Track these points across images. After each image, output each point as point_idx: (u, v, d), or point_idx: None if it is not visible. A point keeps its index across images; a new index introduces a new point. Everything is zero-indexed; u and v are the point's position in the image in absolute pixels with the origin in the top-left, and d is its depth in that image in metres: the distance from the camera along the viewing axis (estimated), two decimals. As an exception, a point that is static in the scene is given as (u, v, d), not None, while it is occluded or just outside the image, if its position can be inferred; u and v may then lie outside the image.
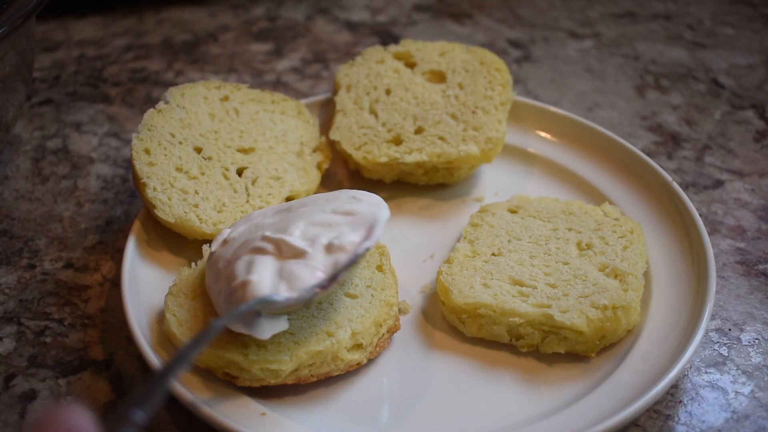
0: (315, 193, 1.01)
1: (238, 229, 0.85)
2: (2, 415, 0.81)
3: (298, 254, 0.79)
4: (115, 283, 0.95)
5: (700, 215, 0.94)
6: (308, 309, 0.82)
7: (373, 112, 1.06)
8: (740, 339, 0.87)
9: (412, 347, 0.86)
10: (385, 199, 1.02)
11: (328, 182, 1.04)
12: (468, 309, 0.84)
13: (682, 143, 1.14)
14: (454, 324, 0.86)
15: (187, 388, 0.77)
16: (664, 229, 0.95)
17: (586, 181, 1.03)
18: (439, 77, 1.09)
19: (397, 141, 1.02)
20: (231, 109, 1.03)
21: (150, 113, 0.99)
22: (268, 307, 0.76)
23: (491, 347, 0.85)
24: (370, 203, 0.85)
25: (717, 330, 0.88)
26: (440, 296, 0.86)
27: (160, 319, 0.85)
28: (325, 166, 1.03)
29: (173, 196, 0.93)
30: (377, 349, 0.83)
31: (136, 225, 0.94)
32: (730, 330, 0.88)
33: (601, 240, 0.90)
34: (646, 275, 0.88)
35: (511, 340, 0.84)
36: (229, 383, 0.79)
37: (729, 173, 1.09)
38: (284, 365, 0.77)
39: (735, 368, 0.85)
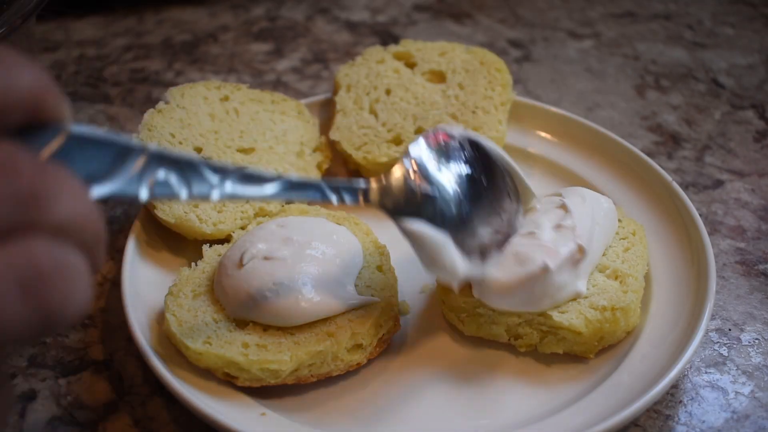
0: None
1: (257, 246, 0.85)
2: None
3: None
4: (115, 283, 0.95)
5: (700, 215, 0.93)
6: None
7: (373, 112, 1.06)
8: (740, 339, 0.87)
9: (412, 347, 0.86)
10: (385, 199, 1.03)
11: (328, 182, 1.04)
12: (467, 308, 0.84)
13: (682, 143, 1.14)
14: (453, 323, 0.86)
15: (187, 388, 0.77)
16: (664, 229, 0.95)
17: (586, 181, 1.02)
18: (439, 77, 1.09)
19: (397, 141, 1.02)
20: (231, 109, 1.03)
21: (150, 113, 0.99)
22: None
23: (491, 347, 0.85)
24: None
25: (717, 330, 0.88)
26: (440, 295, 0.86)
27: (160, 319, 0.85)
28: (325, 166, 1.03)
29: (173, 196, 0.92)
30: (377, 349, 0.83)
31: (136, 225, 0.94)
32: (730, 330, 0.88)
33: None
34: (646, 275, 0.88)
35: (509, 339, 0.84)
36: (229, 383, 0.79)
37: (729, 173, 1.09)
38: (284, 365, 0.77)
39: (735, 368, 0.85)
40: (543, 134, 1.09)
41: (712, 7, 1.44)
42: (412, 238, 0.74)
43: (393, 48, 1.13)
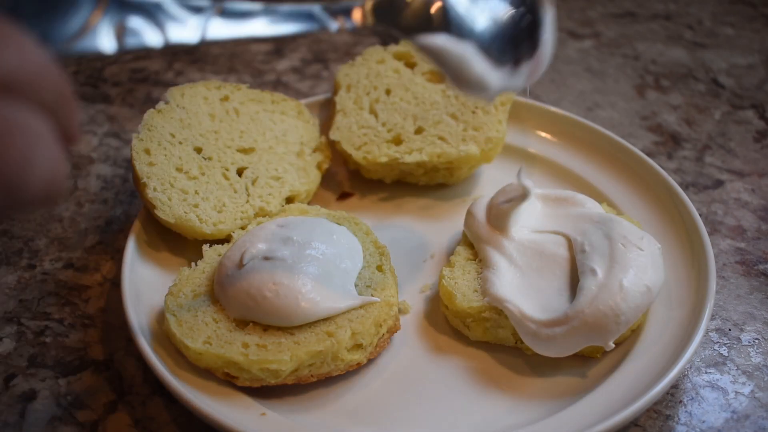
0: (314, 193, 1.01)
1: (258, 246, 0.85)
2: (2, 415, 0.81)
3: None
4: (115, 283, 0.95)
5: (700, 215, 0.93)
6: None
7: (373, 112, 1.06)
8: (740, 339, 0.87)
9: (412, 347, 0.86)
10: (385, 199, 1.03)
11: (328, 182, 1.04)
12: (473, 313, 0.83)
13: (682, 143, 1.14)
14: (458, 328, 0.86)
15: (187, 388, 0.77)
16: (664, 229, 0.95)
17: (586, 181, 1.02)
18: (439, 77, 1.09)
19: (397, 141, 1.02)
20: (231, 109, 1.03)
21: (150, 113, 0.99)
22: None
23: (491, 347, 0.85)
24: None
25: (717, 330, 0.88)
26: (444, 301, 0.86)
27: (160, 319, 0.85)
28: (325, 166, 1.03)
29: (173, 196, 0.93)
30: (377, 349, 0.83)
31: (136, 225, 0.94)
32: (730, 330, 0.88)
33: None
34: (646, 275, 0.88)
35: (516, 342, 0.84)
36: (229, 383, 0.79)
37: (729, 173, 1.09)
38: (284, 365, 0.77)
39: (735, 368, 0.85)
40: (543, 134, 1.09)
41: (712, 7, 1.44)
42: (432, 54, 0.65)
43: (393, 48, 1.13)
